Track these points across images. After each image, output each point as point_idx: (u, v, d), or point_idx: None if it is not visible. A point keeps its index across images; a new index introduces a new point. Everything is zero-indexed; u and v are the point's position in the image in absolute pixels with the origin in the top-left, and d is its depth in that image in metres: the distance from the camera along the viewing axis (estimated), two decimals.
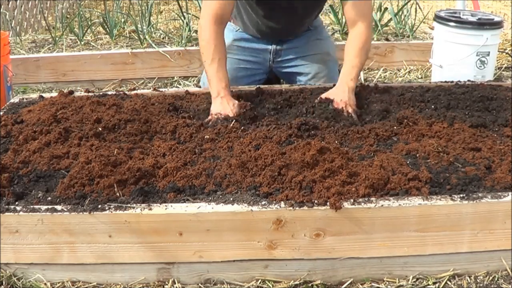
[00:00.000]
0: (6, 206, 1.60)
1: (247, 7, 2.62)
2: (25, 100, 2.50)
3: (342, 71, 2.38)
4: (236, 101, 2.25)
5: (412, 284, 1.62)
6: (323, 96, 2.29)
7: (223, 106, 2.22)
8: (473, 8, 3.96)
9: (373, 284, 1.63)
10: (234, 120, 2.11)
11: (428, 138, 1.97)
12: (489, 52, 3.02)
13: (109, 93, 2.54)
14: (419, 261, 1.63)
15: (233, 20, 2.78)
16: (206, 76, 2.37)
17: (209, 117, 2.21)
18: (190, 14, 4.12)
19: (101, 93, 2.52)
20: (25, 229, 1.57)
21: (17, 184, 1.74)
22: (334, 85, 2.41)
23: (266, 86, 2.55)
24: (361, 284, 1.63)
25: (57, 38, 3.92)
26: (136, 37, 3.85)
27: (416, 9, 4.09)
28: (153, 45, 3.63)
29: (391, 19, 4.01)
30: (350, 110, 2.21)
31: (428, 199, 1.58)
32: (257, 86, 2.54)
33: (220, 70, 2.30)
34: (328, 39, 2.92)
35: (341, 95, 2.26)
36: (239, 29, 2.77)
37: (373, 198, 1.58)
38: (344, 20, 3.97)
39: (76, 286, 1.64)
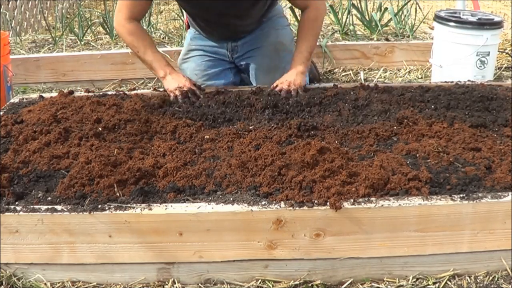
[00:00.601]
0: (6, 206, 1.60)
1: (189, 14, 2.72)
2: (25, 100, 2.50)
3: (293, 56, 2.50)
4: (181, 74, 2.45)
5: (412, 284, 1.62)
6: (274, 84, 2.42)
7: (176, 80, 2.39)
8: (473, 8, 3.96)
9: (373, 284, 1.63)
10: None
11: (428, 138, 1.97)
12: (489, 52, 3.01)
13: (109, 93, 2.55)
14: (419, 261, 1.63)
15: (191, 26, 2.86)
16: (146, 65, 2.51)
17: (171, 95, 2.35)
18: None
19: (101, 93, 2.52)
20: (25, 229, 1.57)
21: (17, 184, 1.74)
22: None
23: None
24: (361, 284, 1.63)
25: (57, 38, 3.92)
26: None
27: (416, 9, 4.09)
28: None
29: (391, 19, 4.01)
30: (293, 88, 2.36)
31: (428, 199, 1.58)
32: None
33: (156, 52, 2.48)
34: (284, 29, 2.83)
35: (288, 77, 2.41)
36: (196, 32, 2.83)
37: (373, 198, 1.59)
38: (344, 20, 3.97)
39: (76, 286, 1.64)
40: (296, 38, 2.54)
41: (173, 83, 2.39)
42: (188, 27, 2.95)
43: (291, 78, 2.40)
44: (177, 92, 2.35)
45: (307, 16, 2.52)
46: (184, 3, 2.62)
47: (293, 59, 2.50)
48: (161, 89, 2.55)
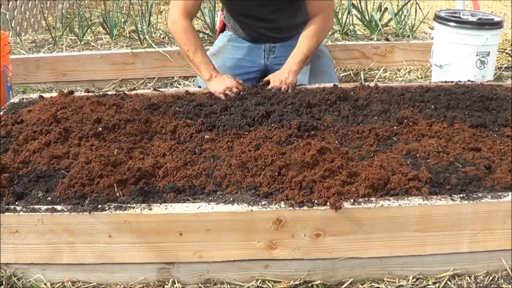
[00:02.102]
0: (6, 206, 1.60)
1: (235, 14, 2.70)
2: (25, 100, 2.50)
3: (290, 56, 2.53)
4: (229, 75, 2.46)
5: (412, 284, 1.62)
6: (265, 78, 2.48)
7: (222, 82, 2.41)
8: (473, 8, 3.96)
9: (373, 284, 1.63)
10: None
11: (428, 138, 1.97)
12: (489, 52, 3.01)
13: (109, 93, 2.54)
14: (419, 261, 1.63)
15: (228, 28, 2.87)
16: (193, 64, 2.52)
17: (221, 96, 2.36)
18: None
19: (101, 93, 2.52)
20: (25, 229, 1.57)
21: (17, 184, 1.74)
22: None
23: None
24: (361, 284, 1.63)
25: (57, 38, 3.91)
26: (136, 37, 3.85)
27: (416, 9, 4.09)
28: (153, 45, 3.63)
29: (391, 19, 4.01)
30: (284, 87, 2.40)
31: (428, 199, 1.58)
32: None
33: (205, 56, 2.51)
34: None
35: (280, 75, 2.46)
36: (232, 34, 2.84)
37: (373, 198, 1.59)
38: (344, 20, 3.97)
39: (76, 286, 1.64)
40: (299, 39, 2.56)
41: (220, 85, 2.41)
42: (221, 31, 2.98)
43: (283, 77, 2.45)
44: (228, 92, 2.38)
45: (317, 23, 2.56)
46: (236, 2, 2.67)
47: (290, 57, 2.53)
48: (161, 89, 2.55)
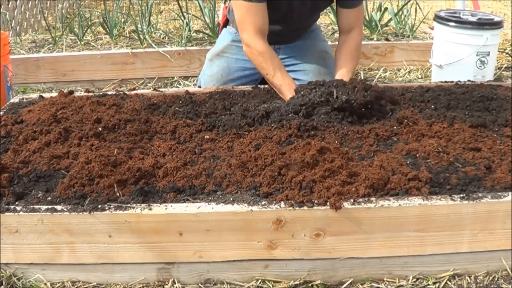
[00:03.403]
0: (6, 206, 1.60)
1: None
2: (25, 100, 2.50)
3: (337, 75, 2.43)
4: None
5: (412, 284, 1.62)
6: None
7: None
8: (473, 8, 3.96)
9: (373, 284, 1.63)
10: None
11: (428, 138, 1.97)
12: (489, 52, 3.01)
13: (109, 93, 2.55)
14: (419, 261, 1.63)
15: (232, 24, 2.81)
16: (274, 87, 2.41)
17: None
18: (190, 14, 4.12)
19: (101, 93, 2.52)
20: (25, 229, 1.57)
21: (17, 184, 1.74)
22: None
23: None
24: (361, 284, 1.63)
25: (57, 38, 3.92)
26: (136, 37, 3.85)
27: (416, 9, 4.09)
28: (153, 45, 3.63)
29: (391, 19, 4.01)
30: None
31: (428, 199, 1.58)
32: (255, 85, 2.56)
33: (285, 76, 2.38)
34: (325, 41, 2.99)
35: None
36: (237, 32, 2.79)
37: (373, 198, 1.59)
38: None
39: (76, 286, 1.64)
40: (340, 55, 2.53)
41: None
42: (224, 26, 2.94)
43: None
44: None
45: (356, 40, 2.54)
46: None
47: (339, 76, 2.42)
48: (161, 89, 2.55)
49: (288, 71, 2.79)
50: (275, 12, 2.55)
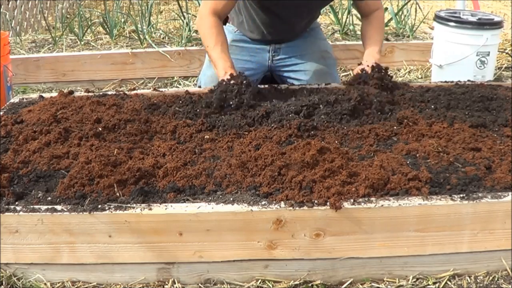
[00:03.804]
0: (6, 206, 1.60)
1: (250, 11, 2.65)
2: (25, 100, 2.49)
3: (367, 47, 2.55)
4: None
5: (412, 284, 1.62)
6: (355, 71, 2.46)
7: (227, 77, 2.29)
8: (473, 8, 3.96)
9: (373, 284, 1.63)
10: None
11: (428, 138, 1.97)
12: (489, 52, 3.01)
13: (109, 93, 2.54)
14: (419, 261, 1.63)
15: (232, 22, 2.81)
16: (211, 60, 2.45)
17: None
18: (190, 14, 4.12)
19: (101, 93, 2.52)
20: (25, 229, 1.57)
21: (17, 184, 1.74)
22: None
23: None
24: (361, 284, 1.63)
25: (57, 38, 3.92)
26: (136, 37, 3.85)
27: (416, 9, 4.09)
28: (153, 45, 3.63)
29: (391, 19, 4.01)
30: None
31: (428, 199, 1.58)
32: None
33: (224, 52, 2.40)
34: (325, 40, 2.99)
35: (371, 62, 2.43)
36: (237, 31, 2.79)
37: (373, 198, 1.59)
38: (344, 20, 3.97)
39: (76, 286, 1.64)
40: (366, 31, 2.64)
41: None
42: (224, 23, 2.94)
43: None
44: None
45: (378, 16, 2.65)
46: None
47: (368, 47, 2.55)
48: (161, 89, 2.55)
49: (289, 71, 2.80)
50: (272, 11, 2.55)
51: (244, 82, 2.23)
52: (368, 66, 2.41)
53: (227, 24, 2.89)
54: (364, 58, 2.50)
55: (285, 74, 2.82)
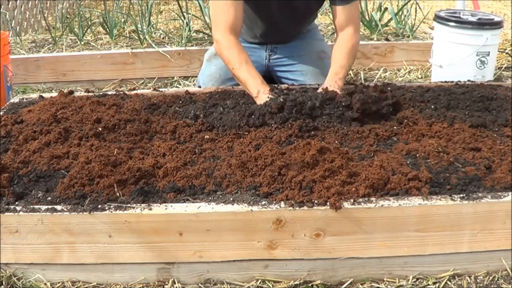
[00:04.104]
0: (6, 206, 1.60)
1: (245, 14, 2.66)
2: (25, 100, 2.50)
3: (330, 71, 2.38)
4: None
5: (412, 284, 1.62)
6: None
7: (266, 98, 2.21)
8: (473, 8, 3.96)
9: (373, 284, 1.63)
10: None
11: (428, 138, 1.97)
12: (489, 52, 3.01)
13: (109, 93, 2.55)
14: (419, 261, 1.63)
15: None
16: (239, 81, 2.36)
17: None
18: (190, 14, 4.12)
19: (101, 93, 2.52)
20: (25, 229, 1.57)
21: (17, 184, 1.74)
22: (318, 85, 2.42)
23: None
24: (361, 284, 1.63)
25: (57, 38, 3.92)
26: (136, 37, 3.85)
27: (416, 9, 4.09)
28: (153, 45, 3.63)
29: (391, 19, 4.01)
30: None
31: (428, 199, 1.58)
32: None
33: (251, 69, 2.31)
34: (323, 40, 2.97)
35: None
36: None
37: (373, 198, 1.59)
38: None
39: (76, 286, 1.64)
40: (335, 52, 2.47)
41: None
42: None
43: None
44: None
45: (350, 36, 2.45)
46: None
47: (331, 72, 2.38)
48: (161, 89, 2.55)
49: (286, 71, 2.79)
50: (267, 11, 2.54)
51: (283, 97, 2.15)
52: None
53: None
54: (325, 83, 2.32)
55: (282, 74, 2.82)
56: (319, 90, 2.25)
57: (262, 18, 2.63)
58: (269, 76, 2.87)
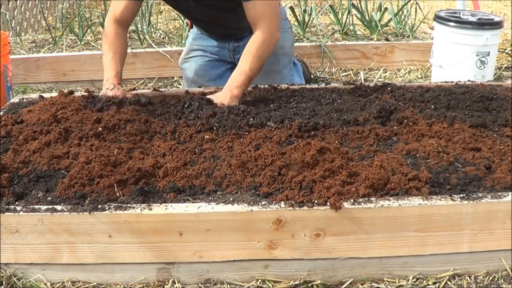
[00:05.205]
0: (6, 206, 1.60)
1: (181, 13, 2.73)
2: (25, 100, 2.49)
3: (231, 77, 2.31)
4: (122, 87, 2.36)
5: (412, 284, 1.62)
6: (207, 97, 2.27)
7: (107, 89, 2.32)
8: (473, 8, 3.96)
9: (373, 284, 1.63)
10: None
11: (428, 138, 1.97)
12: (489, 52, 3.01)
13: None
14: (419, 261, 1.63)
15: (194, 25, 2.87)
16: (103, 65, 2.44)
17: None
18: None
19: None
20: (25, 229, 1.57)
21: (17, 184, 1.74)
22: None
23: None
24: (361, 284, 1.63)
25: (57, 38, 3.92)
26: (136, 37, 3.85)
27: (416, 9, 4.09)
28: (153, 45, 3.63)
29: (391, 19, 4.01)
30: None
31: (428, 199, 1.58)
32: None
33: (113, 60, 2.41)
34: (285, 32, 2.71)
35: (221, 98, 2.24)
36: (198, 32, 2.85)
37: (373, 198, 1.58)
38: (344, 20, 3.97)
39: (76, 286, 1.64)
40: (242, 56, 2.34)
41: (103, 91, 2.34)
42: (192, 26, 2.95)
43: (224, 101, 2.22)
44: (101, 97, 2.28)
45: (258, 36, 2.30)
46: (170, 2, 2.65)
47: (231, 78, 2.29)
48: (161, 89, 2.55)
49: None
50: (187, 11, 2.58)
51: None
52: (221, 104, 2.20)
53: (191, 29, 2.93)
54: (223, 89, 2.29)
55: None
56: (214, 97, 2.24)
57: (190, 17, 2.67)
58: None
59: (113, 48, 2.43)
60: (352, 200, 1.57)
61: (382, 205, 1.56)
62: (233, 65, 2.77)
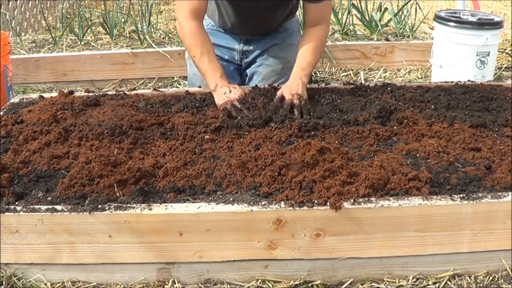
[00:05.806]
0: (6, 206, 1.60)
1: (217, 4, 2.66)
2: (25, 100, 2.49)
3: (296, 65, 2.35)
4: (236, 85, 2.28)
5: (412, 284, 1.62)
6: (278, 93, 2.26)
7: (224, 93, 2.23)
8: (473, 8, 3.96)
9: (373, 284, 1.63)
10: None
11: (428, 138, 1.97)
12: (489, 52, 3.01)
13: (109, 93, 2.54)
14: (419, 261, 1.63)
15: (207, 14, 2.79)
16: (199, 71, 2.36)
17: (220, 115, 2.15)
18: None
19: (101, 93, 2.52)
20: (25, 229, 1.57)
21: (17, 184, 1.74)
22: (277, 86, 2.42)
23: None
24: (361, 284, 1.63)
25: (57, 38, 3.91)
26: (136, 37, 3.85)
27: (416, 9, 4.09)
28: (153, 45, 3.63)
29: (391, 19, 4.01)
30: (296, 102, 2.19)
31: (428, 199, 1.58)
32: None
33: (212, 61, 2.31)
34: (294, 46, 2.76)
35: (295, 88, 2.25)
36: (210, 23, 2.78)
37: (373, 198, 1.59)
38: (344, 20, 3.96)
39: (76, 286, 1.64)
40: (302, 48, 2.40)
41: (221, 98, 2.23)
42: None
43: (295, 90, 2.24)
44: (228, 106, 2.18)
45: (320, 34, 2.42)
46: None
47: (297, 67, 2.34)
48: (161, 89, 2.55)
49: (252, 74, 2.74)
50: (238, 3, 2.53)
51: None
52: (291, 93, 2.22)
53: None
54: (290, 79, 2.32)
55: (250, 74, 2.78)
56: (278, 95, 2.24)
57: (233, 8, 2.59)
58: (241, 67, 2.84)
59: (206, 47, 2.32)
60: (352, 200, 1.57)
61: (382, 205, 1.56)
62: (239, 67, 2.79)
